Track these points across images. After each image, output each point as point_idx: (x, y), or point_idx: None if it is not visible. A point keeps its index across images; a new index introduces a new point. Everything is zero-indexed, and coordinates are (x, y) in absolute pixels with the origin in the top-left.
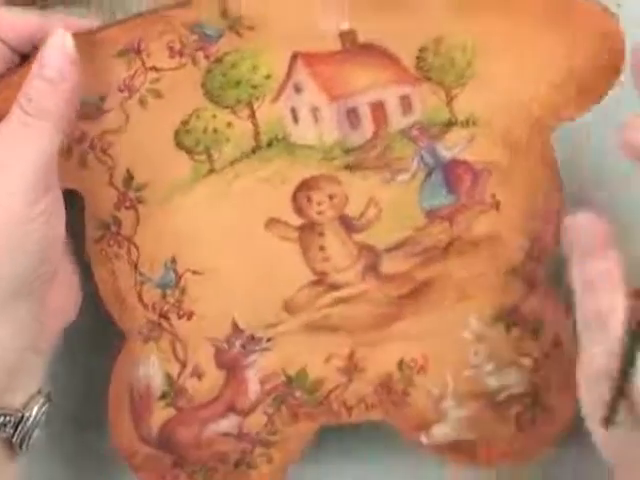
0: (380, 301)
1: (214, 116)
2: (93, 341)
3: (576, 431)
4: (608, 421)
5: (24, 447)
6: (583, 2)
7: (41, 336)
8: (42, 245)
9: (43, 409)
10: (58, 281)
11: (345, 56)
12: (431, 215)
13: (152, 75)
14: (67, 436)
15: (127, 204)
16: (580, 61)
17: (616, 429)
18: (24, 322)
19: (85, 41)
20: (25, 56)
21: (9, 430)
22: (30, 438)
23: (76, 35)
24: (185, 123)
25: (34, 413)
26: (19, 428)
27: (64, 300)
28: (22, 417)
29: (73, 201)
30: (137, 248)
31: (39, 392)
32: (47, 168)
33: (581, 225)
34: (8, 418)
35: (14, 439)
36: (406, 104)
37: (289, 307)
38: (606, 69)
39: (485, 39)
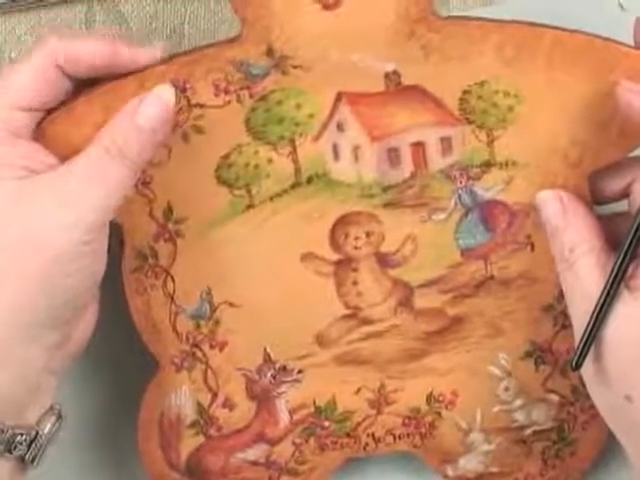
0: (411, 336)
1: (256, 152)
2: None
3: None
4: (576, 363)
5: (35, 463)
6: (626, 49)
7: (59, 358)
8: (83, 281)
9: (56, 426)
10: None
11: (388, 97)
12: (466, 254)
13: (196, 112)
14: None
15: (166, 236)
16: None
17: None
18: (54, 347)
19: (133, 76)
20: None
21: (24, 448)
22: (42, 454)
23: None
24: (226, 157)
25: (47, 430)
26: (32, 445)
27: (85, 326)
28: (36, 434)
29: None
30: (173, 279)
31: (51, 408)
32: (111, 212)
33: (546, 200)
34: (25, 437)
35: (27, 456)
36: (446, 145)
37: (321, 340)
38: None
39: (528, 85)
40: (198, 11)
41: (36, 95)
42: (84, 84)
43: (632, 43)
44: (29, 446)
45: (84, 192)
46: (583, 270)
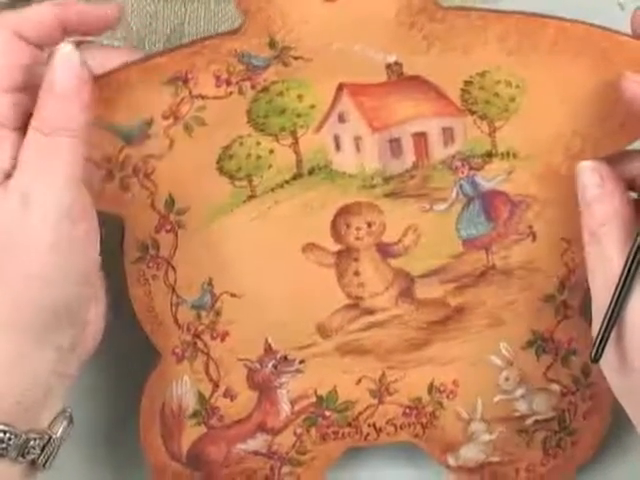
0: (412, 326)
1: (258, 143)
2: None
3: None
4: (596, 353)
5: (47, 466)
6: (629, 40)
7: (70, 361)
8: (86, 269)
9: (68, 430)
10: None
11: (390, 87)
12: (468, 244)
13: (198, 103)
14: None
15: (167, 227)
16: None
17: (605, 368)
18: (64, 349)
19: (135, 67)
20: None
21: (37, 452)
22: (53, 457)
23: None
24: (228, 149)
25: (59, 434)
26: (45, 449)
27: (94, 326)
28: (49, 438)
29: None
30: (175, 270)
31: (63, 412)
32: (77, 189)
33: (585, 169)
34: (38, 441)
35: (39, 460)
36: (448, 135)
37: (322, 330)
38: None
39: (530, 75)
40: (198, 11)
41: (11, 70)
42: None
43: None
44: (42, 450)
45: (42, 184)
46: (610, 247)
